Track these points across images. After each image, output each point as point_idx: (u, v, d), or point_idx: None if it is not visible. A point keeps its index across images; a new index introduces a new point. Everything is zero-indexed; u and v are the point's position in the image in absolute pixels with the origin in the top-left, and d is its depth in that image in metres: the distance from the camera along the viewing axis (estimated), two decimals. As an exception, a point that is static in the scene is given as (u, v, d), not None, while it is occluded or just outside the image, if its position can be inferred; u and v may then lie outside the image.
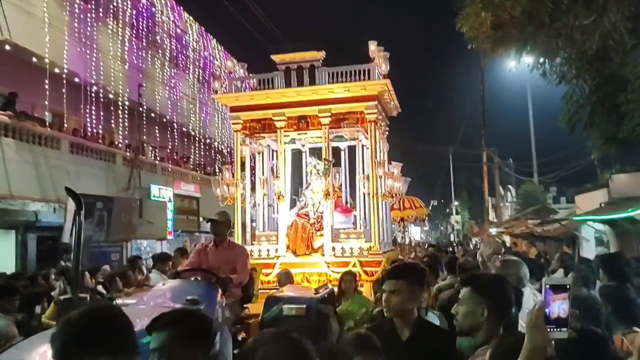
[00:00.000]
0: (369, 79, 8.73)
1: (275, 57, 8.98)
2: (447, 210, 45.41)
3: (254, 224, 9.68)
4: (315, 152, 10.02)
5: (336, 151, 9.98)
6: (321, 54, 8.95)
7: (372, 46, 8.74)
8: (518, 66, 14.90)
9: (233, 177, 9.11)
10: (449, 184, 39.18)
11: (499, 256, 4.59)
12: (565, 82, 11.98)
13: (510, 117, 32.16)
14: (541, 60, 11.45)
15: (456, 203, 42.77)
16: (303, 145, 10.02)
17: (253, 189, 9.77)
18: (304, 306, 5.85)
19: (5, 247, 13.72)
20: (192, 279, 6.00)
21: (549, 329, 1.40)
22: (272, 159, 9.88)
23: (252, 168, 10.15)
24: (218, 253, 6.19)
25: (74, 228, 5.03)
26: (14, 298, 5.15)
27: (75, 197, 5.17)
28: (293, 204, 9.74)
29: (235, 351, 5.90)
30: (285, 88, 8.87)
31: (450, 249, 19.68)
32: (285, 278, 7.38)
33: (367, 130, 8.98)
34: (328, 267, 8.57)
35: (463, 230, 41.58)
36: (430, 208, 26.27)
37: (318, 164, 9.04)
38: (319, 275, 8.51)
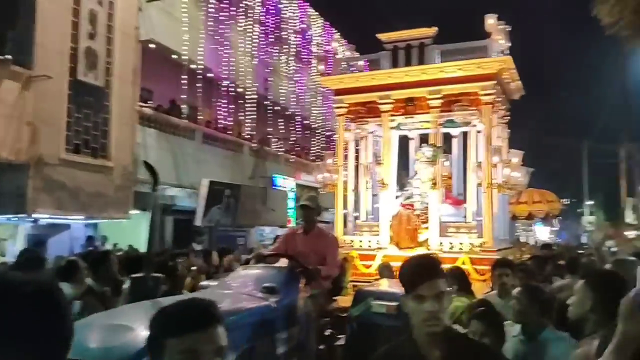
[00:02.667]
0: (486, 56, 7.42)
1: (382, 36, 8.03)
2: (579, 210, 40.74)
3: (357, 213, 8.80)
4: (425, 140, 8.87)
5: (447, 138, 8.79)
6: (432, 31, 7.84)
7: (491, 20, 7.44)
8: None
9: (335, 163, 8.29)
10: (582, 182, 34.88)
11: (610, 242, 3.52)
12: None
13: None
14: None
15: (590, 202, 38.25)
16: (410, 131, 8.92)
17: (357, 177, 8.88)
18: (396, 304, 4.88)
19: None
20: (276, 265, 5.34)
21: None
22: (377, 145, 8.90)
23: (357, 155, 9.27)
24: (307, 240, 5.46)
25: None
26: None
27: (151, 170, 4.73)
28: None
29: (320, 347, 5.17)
30: (392, 69, 7.83)
31: (581, 251, 17.22)
32: (387, 271, 6.45)
33: (482, 113, 7.68)
34: (434, 262, 7.43)
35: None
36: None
37: (427, 150, 7.91)
38: (425, 271, 7.40)
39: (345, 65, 8.59)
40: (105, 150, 11.52)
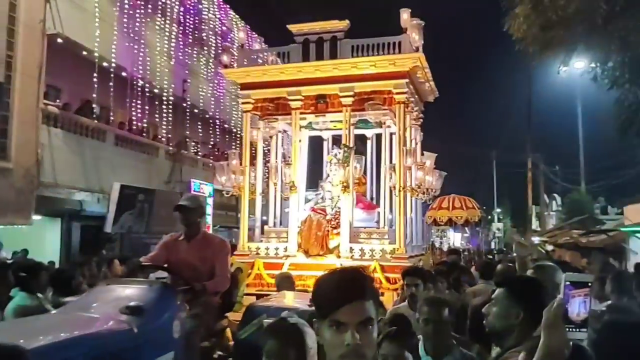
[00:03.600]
0: (399, 53, 6.80)
1: (293, 28, 7.26)
2: (489, 217, 42.29)
3: (265, 219, 7.90)
4: (339, 142, 8.14)
5: (362, 140, 8.10)
6: (345, 24, 7.16)
7: (405, 15, 6.88)
8: (567, 69, 12.84)
9: (241, 164, 7.34)
10: (491, 190, 36.02)
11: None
12: (617, 87, 9.87)
13: (558, 122, 28.97)
14: (592, 64, 9.64)
15: (498, 210, 39.62)
16: (322, 131, 8.17)
17: (267, 179, 7.98)
18: (293, 322, 3.97)
19: (51, 235, 13.23)
20: (153, 278, 4.34)
21: (567, 329, 1.22)
22: (288, 145, 8.05)
23: (267, 155, 8.38)
24: (190, 248, 4.47)
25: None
26: (41, 278, 4.67)
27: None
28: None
29: (209, 372, 4.24)
30: (303, 62, 7.03)
31: (491, 257, 17.30)
32: (286, 283, 5.51)
33: (395, 113, 7.04)
34: (344, 270, 6.68)
35: (504, 238, 38.55)
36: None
37: (338, 152, 7.16)
38: (334, 280, 6.62)
39: (254, 58, 7.69)
40: (5, 150, 10.37)
